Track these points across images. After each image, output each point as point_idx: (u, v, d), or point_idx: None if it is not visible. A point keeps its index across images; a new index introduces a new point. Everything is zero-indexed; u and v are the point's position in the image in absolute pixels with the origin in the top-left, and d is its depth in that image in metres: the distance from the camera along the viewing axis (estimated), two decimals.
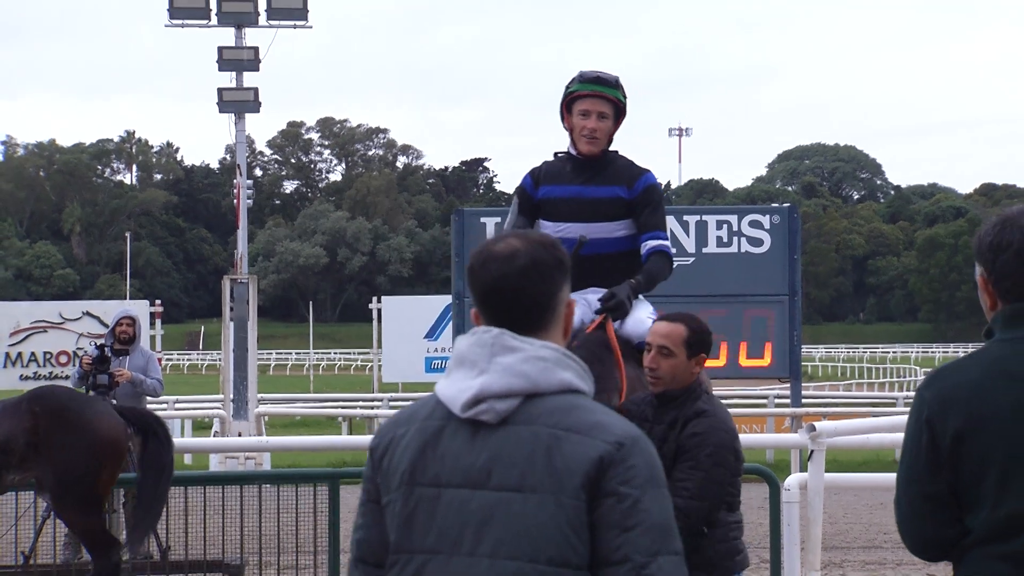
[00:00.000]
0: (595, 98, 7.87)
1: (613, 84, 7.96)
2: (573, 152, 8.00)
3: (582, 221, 7.94)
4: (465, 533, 4.28)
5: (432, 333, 45.38)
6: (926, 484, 4.74)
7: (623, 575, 4.12)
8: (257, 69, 37.00)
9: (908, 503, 4.83)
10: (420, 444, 4.41)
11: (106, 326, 21.27)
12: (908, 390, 55.29)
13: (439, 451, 4.37)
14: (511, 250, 4.41)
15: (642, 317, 7.80)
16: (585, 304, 7.73)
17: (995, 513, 4.61)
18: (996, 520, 4.63)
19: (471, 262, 4.49)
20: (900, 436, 18.72)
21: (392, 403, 39.23)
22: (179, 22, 37.32)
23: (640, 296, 7.89)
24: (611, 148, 8.06)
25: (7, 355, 42.70)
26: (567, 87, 8.02)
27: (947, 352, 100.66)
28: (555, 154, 8.18)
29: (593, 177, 7.93)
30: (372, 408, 36.53)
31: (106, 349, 16.75)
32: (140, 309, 37.65)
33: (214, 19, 36.87)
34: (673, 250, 8.30)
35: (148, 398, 17.73)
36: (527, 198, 8.05)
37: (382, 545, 4.50)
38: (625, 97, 8.03)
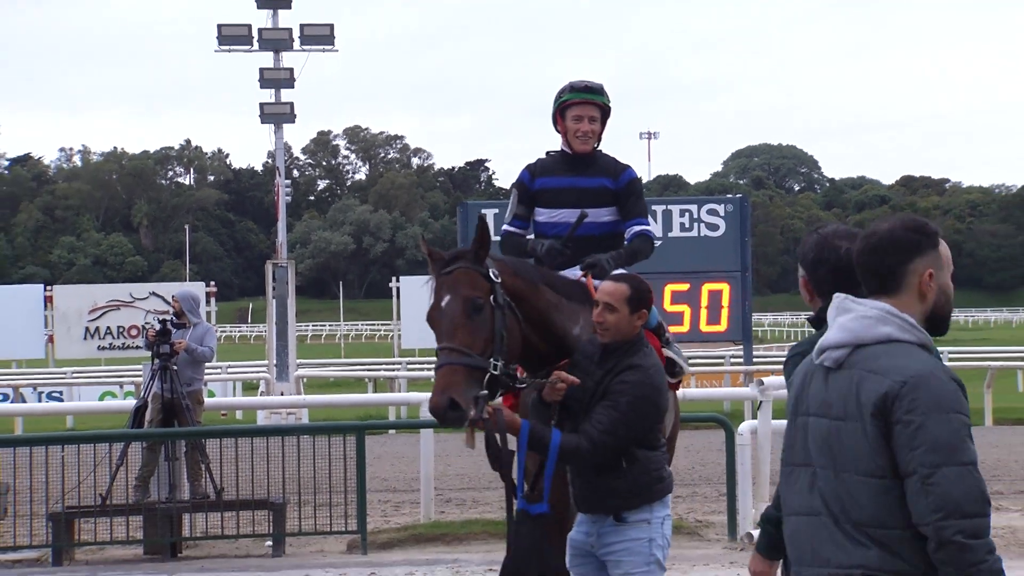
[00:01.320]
0: (585, 104, 7.84)
1: (599, 91, 7.94)
2: (567, 150, 7.96)
3: (574, 207, 7.89)
4: (820, 451, 4.74)
5: None
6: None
7: (913, 484, 4.47)
8: (292, 86, 37.02)
9: None
10: (800, 383, 4.95)
11: (168, 304, 21.22)
12: None
13: (809, 389, 4.86)
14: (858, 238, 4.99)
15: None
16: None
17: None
18: None
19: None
20: None
21: (410, 366, 39.20)
22: (226, 48, 37.35)
23: (620, 266, 7.85)
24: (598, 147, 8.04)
25: (87, 329, 42.65)
26: (559, 96, 7.95)
27: None
28: (547, 152, 8.15)
29: (584, 170, 7.91)
30: (393, 370, 36.51)
31: (168, 323, 16.72)
32: (198, 289, 37.63)
33: (256, 45, 36.91)
34: (656, 233, 8.34)
35: (205, 363, 17.67)
36: (525, 189, 8.03)
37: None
38: (609, 101, 7.99)
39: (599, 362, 6.90)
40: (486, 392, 6.79)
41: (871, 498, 4.58)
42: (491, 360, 6.84)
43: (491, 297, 6.91)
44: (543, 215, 8.02)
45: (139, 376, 28.82)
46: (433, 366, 6.85)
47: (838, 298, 4.83)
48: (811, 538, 4.72)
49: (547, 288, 7.31)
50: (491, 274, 6.97)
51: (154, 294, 42.70)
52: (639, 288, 7.02)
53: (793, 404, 4.93)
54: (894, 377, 4.55)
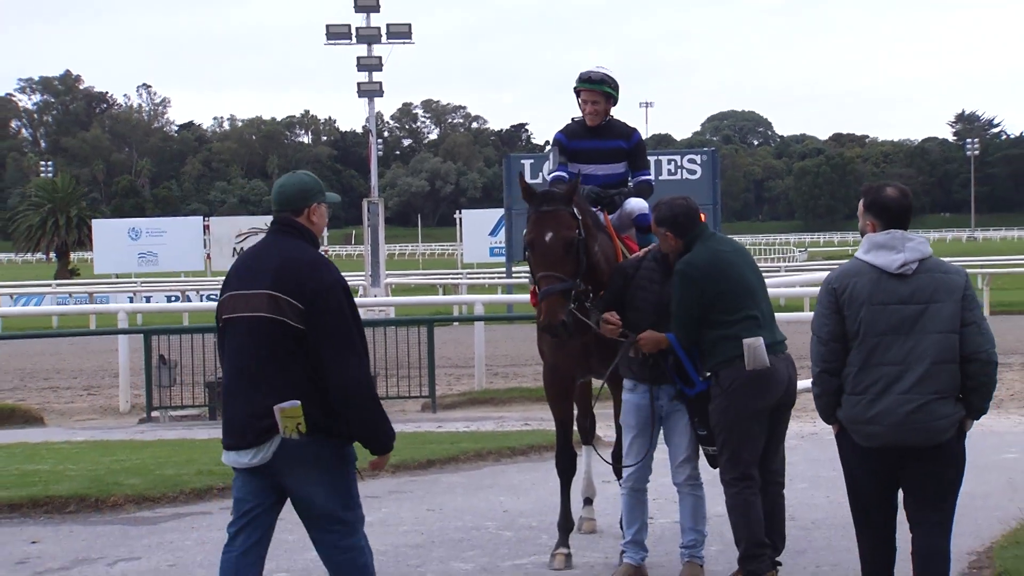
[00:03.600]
0: (591, 92, 7.67)
1: (600, 81, 7.70)
2: (586, 121, 7.81)
3: (598, 163, 7.75)
4: (902, 324, 5.42)
5: (493, 232, 45.37)
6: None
7: (972, 330, 5.47)
8: (381, 70, 36.75)
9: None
10: (870, 284, 5.48)
11: None
12: (791, 261, 55.03)
13: (882, 288, 5.47)
14: (905, 191, 5.65)
15: (639, 203, 7.66)
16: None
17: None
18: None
19: (886, 196, 5.62)
20: (791, 291, 18.70)
21: (469, 276, 39.23)
22: (332, 42, 37.13)
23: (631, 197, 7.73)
24: (610, 115, 7.85)
25: (234, 248, 42.95)
26: (577, 81, 7.72)
27: (812, 238, 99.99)
28: (572, 119, 7.99)
29: (603, 135, 7.73)
30: (456, 279, 36.57)
31: None
32: None
33: (354, 39, 36.62)
34: (653, 180, 8.19)
35: None
36: (564, 147, 7.80)
37: (841, 350, 5.52)
38: (611, 86, 7.76)
39: (663, 276, 6.69)
40: (575, 305, 6.64)
41: (943, 347, 5.42)
42: (576, 280, 6.71)
43: (576, 232, 6.79)
44: (575, 168, 7.89)
45: None
46: (530, 286, 6.68)
47: (896, 232, 5.53)
48: (897, 378, 5.39)
49: (593, 225, 7.19)
50: (575, 213, 6.86)
51: None
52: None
53: (867, 296, 5.45)
54: (959, 275, 5.56)
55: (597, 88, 7.65)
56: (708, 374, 6.51)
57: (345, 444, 5.25)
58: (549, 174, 7.93)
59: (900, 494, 5.59)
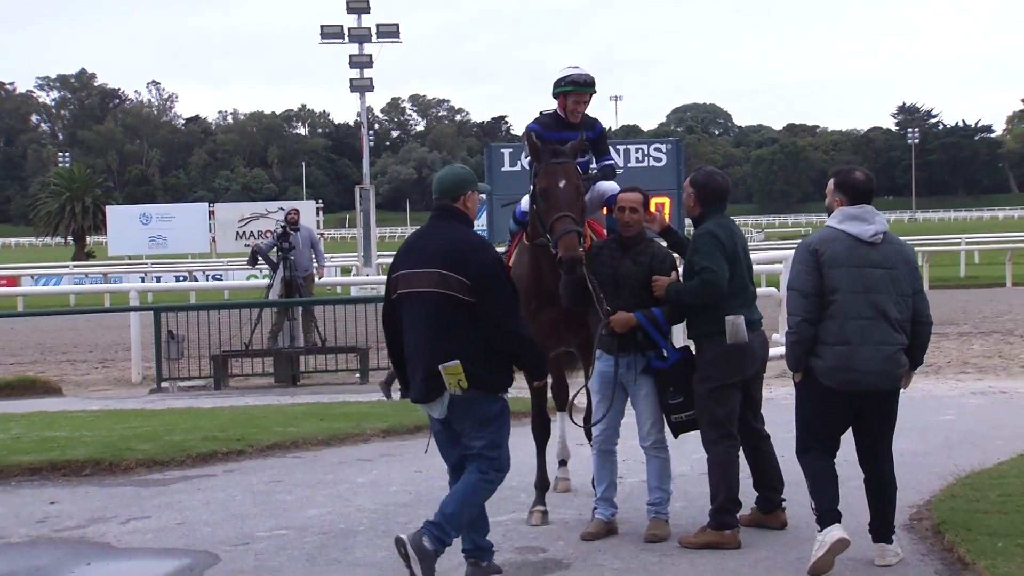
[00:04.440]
0: (579, 94, 7.55)
1: (592, 84, 7.61)
2: (561, 115, 7.65)
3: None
4: (879, 284, 5.84)
5: (476, 215, 45.23)
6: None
7: (920, 297, 6.01)
8: (371, 66, 36.48)
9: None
10: (846, 249, 5.87)
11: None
12: (749, 242, 54.91)
13: (856, 252, 5.86)
14: (869, 175, 6.06)
15: (610, 184, 7.62)
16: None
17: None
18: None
19: (855, 178, 6.01)
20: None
21: None
22: (327, 41, 36.82)
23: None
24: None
25: (237, 232, 42.64)
26: (564, 84, 7.54)
27: (768, 220, 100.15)
28: (542, 112, 7.87)
29: (572, 127, 7.62)
30: None
31: (287, 228, 16.60)
32: (311, 206, 37.58)
33: (346, 39, 36.36)
34: (619, 164, 8.19)
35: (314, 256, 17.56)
36: (540, 136, 7.68)
37: (819, 304, 5.85)
38: (594, 86, 7.66)
39: (622, 254, 6.70)
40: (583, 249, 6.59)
41: (902, 307, 5.89)
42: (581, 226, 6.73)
43: (583, 183, 6.89)
44: None
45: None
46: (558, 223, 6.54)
47: (867, 207, 5.95)
48: (871, 331, 5.79)
49: None
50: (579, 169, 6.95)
51: (281, 208, 42.62)
52: (645, 193, 6.93)
53: (845, 259, 5.82)
54: (910, 247, 6.09)
55: (585, 90, 7.58)
56: (683, 345, 6.57)
57: (500, 396, 5.78)
58: (526, 158, 7.86)
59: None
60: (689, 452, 8.36)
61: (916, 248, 34.14)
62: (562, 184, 6.70)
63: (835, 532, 5.87)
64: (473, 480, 5.77)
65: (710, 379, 6.43)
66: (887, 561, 6.00)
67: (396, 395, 7.16)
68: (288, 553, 6.68)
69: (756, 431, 6.76)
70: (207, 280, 33.88)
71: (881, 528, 6.06)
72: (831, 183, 6.08)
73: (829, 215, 6.08)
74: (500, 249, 7.53)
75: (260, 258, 16.49)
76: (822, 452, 6.00)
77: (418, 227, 6.13)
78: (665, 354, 6.59)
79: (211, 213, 45.94)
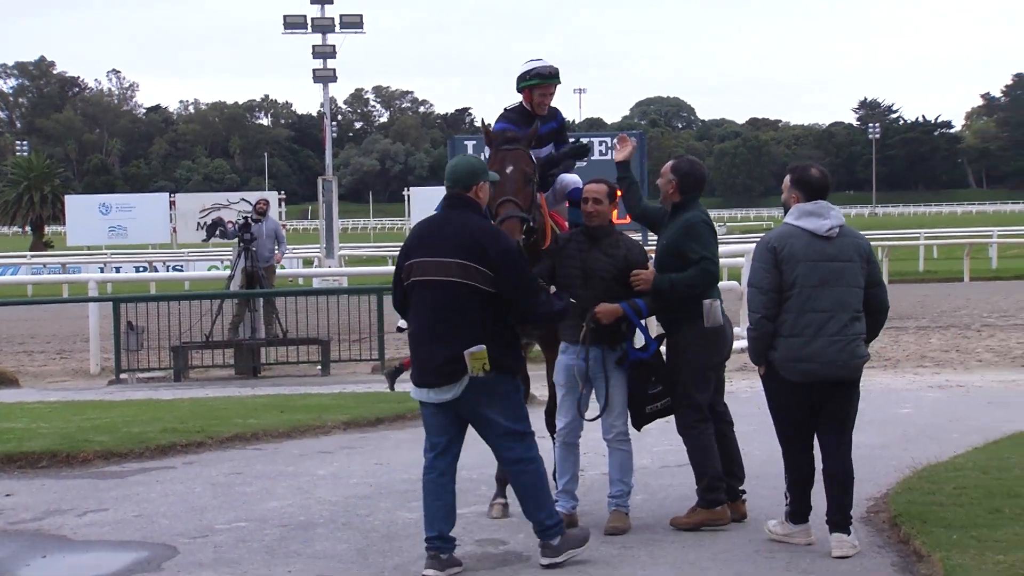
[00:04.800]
0: (546, 87, 7.52)
1: (557, 75, 7.57)
2: (527, 108, 7.60)
3: (538, 147, 7.63)
4: (830, 278, 6.01)
5: (439, 207, 45.15)
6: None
7: (878, 290, 6.19)
8: (335, 57, 36.29)
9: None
10: (804, 244, 6.04)
11: (252, 206, 20.91)
12: None
13: (813, 248, 6.03)
14: (824, 172, 6.25)
15: (572, 177, 7.61)
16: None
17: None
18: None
19: (811, 175, 6.19)
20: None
21: None
22: (289, 31, 36.59)
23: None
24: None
25: (198, 223, 42.40)
26: (530, 77, 7.46)
27: (730, 214, 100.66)
28: (506, 108, 7.80)
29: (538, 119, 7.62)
30: None
31: (248, 219, 16.55)
32: (274, 197, 37.39)
33: (309, 29, 36.13)
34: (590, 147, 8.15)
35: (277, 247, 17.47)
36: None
37: (777, 300, 6.04)
38: (559, 77, 7.65)
39: (590, 246, 6.71)
40: (524, 237, 6.62)
41: (858, 299, 6.06)
42: (530, 215, 6.72)
43: (533, 170, 6.83)
44: None
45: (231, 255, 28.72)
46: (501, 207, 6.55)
47: (822, 203, 6.13)
48: (827, 324, 5.97)
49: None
50: (533, 157, 6.90)
51: (243, 200, 42.34)
52: (612, 186, 6.96)
53: (802, 255, 6.00)
54: (866, 240, 6.23)
55: (551, 82, 7.56)
56: (657, 335, 6.65)
57: (516, 377, 6.03)
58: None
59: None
60: (650, 445, 8.40)
61: (876, 243, 34.46)
62: (508, 170, 6.70)
63: (804, 536, 6.25)
64: (517, 474, 6.00)
65: (691, 363, 6.59)
66: (844, 552, 6.06)
67: (399, 387, 7.14)
68: (248, 545, 6.65)
69: (721, 415, 6.86)
70: (167, 271, 33.63)
71: (838, 519, 6.13)
72: (787, 179, 6.25)
73: (785, 211, 6.25)
74: None
75: (219, 231, 16.45)
76: (799, 446, 6.20)
77: (429, 215, 6.32)
78: (647, 345, 6.63)
79: (172, 203, 45.61)
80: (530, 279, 6.01)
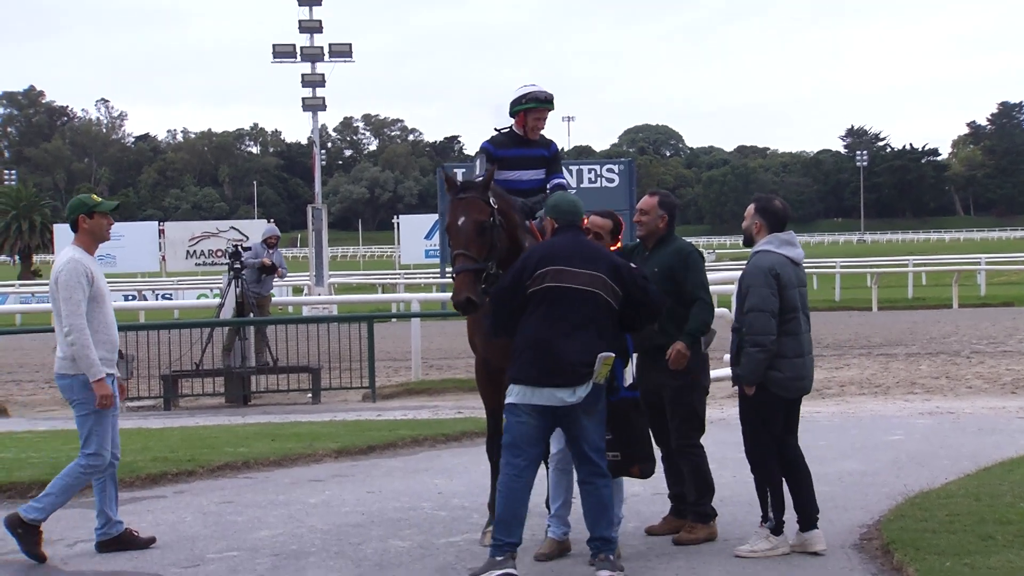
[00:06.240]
0: (541, 111, 7.59)
1: (550, 101, 7.66)
2: (518, 132, 7.67)
3: (523, 170, 7.69)
4: (804, 301, 6.57)
5: (428, 235, 45.27)
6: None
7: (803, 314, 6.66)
8: (324, 86, 36.38)
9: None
10: (792, 272, 6.54)
11: (244, 236, 20.90)
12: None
13: (796, 275, 6.57)
14: (785, 204, 6.74)
15: (559, 180, 7.69)
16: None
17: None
18: None
19: (776, 206, 6.67)
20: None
21: (406, 276, 39.07)
22: (279, 60, 36.66)
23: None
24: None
25: (187, 251, 42.43)
26: (525, 101, 7.57)
27: (718, 240, 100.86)
28: (497, 130, 7.86)
29: (528, 145, 7.67)
30: (394, 279, 36.43)
31: (239, 247, 16.51)
32: (261, 225, 37.41)
33: (299, 58, 36.23)
34: (572, 183, 8.19)
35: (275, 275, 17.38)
36: (491, 155, 7.68)
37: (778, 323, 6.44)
38: (554, 105, 7.72)
39: None
40: (484, 286, 6.60)
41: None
42: (489, 263, 6.69)
43: (491, 218, 6.76)
44: (503, 175, 7.78)
45: (221, 284, 28.71)
46: (449, 270, 6.73)
47: (791, 232, 6.63)
48: (808, 343, 6.57)
49: (515, 212, 7.17)
50: (491, 201, 6.83)
51: (233, 228, 42.42)
52: (617, 222, 7.13)
53: (790, 281, 6.46)
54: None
55: (545, 107, 7.64)
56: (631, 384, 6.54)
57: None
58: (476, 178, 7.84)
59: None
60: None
61: (866, 270, 34.54)
62: (460, 221, 6.68)
63: (786, 544, 6.56)
64: (599, 487, 6.22)
65: (696, 383, 6.95)
66: (817, 548, 6.47)
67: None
68: (239, 575, 6.62)
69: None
70: (157, 299, 33.57)
71: (806, 515, 6.55)
72: (751, 207, 6.70)
73: (746, 238, 6.78)
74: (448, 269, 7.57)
75: (239, 263, 16.11)
76: (773, 455, 6.57)
77: (549, 238, 6.65)
78: (636, 384, 6.57)
79: (161, 232, 45.62)
80: (649, 289, 6.43)
